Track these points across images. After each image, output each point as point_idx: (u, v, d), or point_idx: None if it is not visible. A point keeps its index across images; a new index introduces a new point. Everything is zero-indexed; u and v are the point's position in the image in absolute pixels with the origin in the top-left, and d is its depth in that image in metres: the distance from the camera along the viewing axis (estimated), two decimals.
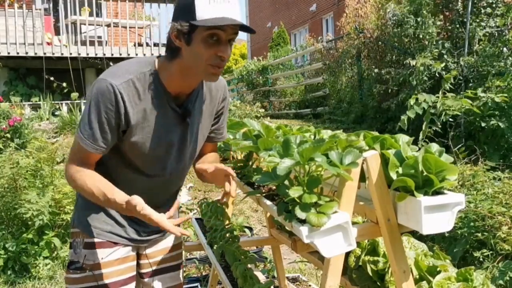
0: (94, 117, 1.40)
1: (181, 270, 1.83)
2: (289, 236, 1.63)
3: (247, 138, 1.61)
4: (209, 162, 1.66)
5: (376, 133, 1.33)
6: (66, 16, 10.41)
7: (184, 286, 2.65)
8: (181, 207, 4.95)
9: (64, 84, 8.62)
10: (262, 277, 2.59)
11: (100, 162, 1.50)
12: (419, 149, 1.26)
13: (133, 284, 1.64)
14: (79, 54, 10.06)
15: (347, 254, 1.51)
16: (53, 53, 9.94)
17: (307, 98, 11.21)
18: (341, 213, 1.12)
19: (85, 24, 10.40)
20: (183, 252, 2.76)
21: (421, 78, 6.36)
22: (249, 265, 1.86)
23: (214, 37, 1.35)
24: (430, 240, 3.43)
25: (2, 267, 3.64)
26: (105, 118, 1.40)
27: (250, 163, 1.76)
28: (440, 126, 4.78)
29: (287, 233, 1.86)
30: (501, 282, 2.74)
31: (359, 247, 1.53)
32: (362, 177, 1.23)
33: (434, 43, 6.71)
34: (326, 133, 1.56)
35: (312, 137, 1.54)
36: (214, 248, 2.15)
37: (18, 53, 9.71)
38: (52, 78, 8.71)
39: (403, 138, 1.28)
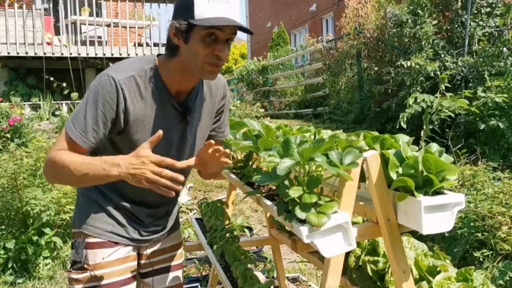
0: (90, 109, 1.39)
1: (181, 270, 1.83)
2: (289, 236, 1.63)
3: (247, 138, 1.61)
4: None
5: (376, 133, 1.33)
6: (66, 16, 10.41)
7: (184, 286, 2.65)
8: (181, 207, 4.95)
9: (64, 84, 8.63)
10: (262, 277, 2.59)
11: None
12: (420, 149, 1.26)
13: (134, 284, 1.64)
14: (79, 54, 10.06)
15: (347, 254, 1.51)
16: (53, 53, 9.94)
17: (307, 98, 11.21)
18: (341, 213, 1.12)
19: (85, 24, 10.41)
20: (183, 252, 2.76)
21: (416, 78, 6.36)
22: (249, 265, 1.86)
23: (212, 36, 1.36)
24: (430, 240, 3.43)
25: (2, 267, 3.64)
26: (102, 111, 1.39)
27: (250, 163, 1.76)
28: (437, 126, 4.79)
29: (287, 233, 1.86)
30: (501, 282, 2.74)
31: (359, 247, 1.53)
32: (362, 177, 1.23)
33: (431, 42, 6.71)
34: (326, 133, 1.56)
35: (312, 137, 1.54)
36: (214, 248, 2.15)
37: (18, 53, 9.71)
38: (52, 78, 8.71)
39: (403, 138, 1.28)
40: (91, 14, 10.40)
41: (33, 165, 3.94)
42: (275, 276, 3.03)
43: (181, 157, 1.59)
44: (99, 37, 10.81)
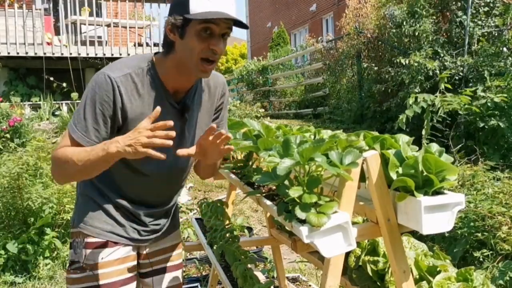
0: (89, 108, 1.40)
1: (181, 270, 1.83)
2: (289, 236, 1.63)
3: (247, 138, 1.61)
4: None
5: (376, 133, 1.33)
6: (66, 16, 10.42)
7: (184, 286, 2.65)
8: (181, 207, 4.95)
9: (64, 84, 8.62)
10: (262, 277, 2.59)
11: None
12: (419, 148, 1.26)
13: (134, 284, 1.64)
14: (79, 54, 10.07)
15: (347, 254, 1.51)
16: (53, 53, 9.94)
17: (307, 98, 11.21)
18: (341, 213, 1.12)
19: (85, 24, 10.41)
20: (183, 252, 2.76)
21: (415, 77, 6.36)
22: (249, 265, 1.86)
23: (207, 30, 1.37)
24: (430, 240, 3.43)
25: (2, 267, 3.64)
26: (100, 110, 1.40)
27: (250, 163, 1.76)
28: (440, 123, 4.78)
29: (287, 233, 1.86)
30: (501, 282, 2.74)
31: (359, 247, 1.53)
32: (362, 177, 1.23)
33: (430, 40, 6.71)
34: (326, 133, 1.56)
35: (312, 137, 1.54)
36: (214, 248, 2.15)
37: (18, 53, 9.71)
38: (52, 78, 8.71)
39: (403, 138, 1.28)
40: (91, 14, 10.40)
41: (34, 164, 3.94)
42: (275, 276, 3.03)
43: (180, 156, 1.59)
44: (99, 37, 10.82)
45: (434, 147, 1.21)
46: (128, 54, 10.34)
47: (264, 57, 15.40)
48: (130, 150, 1.31)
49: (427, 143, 4.16)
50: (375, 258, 1.48)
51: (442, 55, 6.61)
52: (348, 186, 1.20)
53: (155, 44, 11.38)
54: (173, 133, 1.32)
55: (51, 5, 11.70)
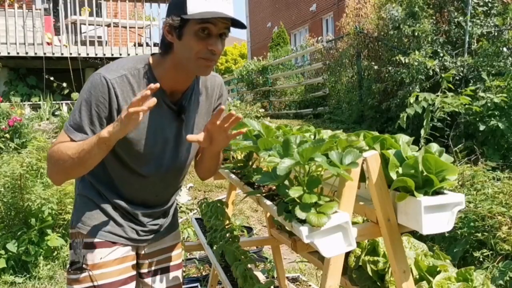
0: (85, 109, 1.40)
1: (180, 270, 1.83)
2: (289, 236, 1.63)
3: (247, 138, 1.61)
4: None
5: (376, 133, 1.32)
6: (66, 16, 10.41)
7: (184, 286, 2.65)
8: (181, 207, 4.95)
9: (64, 84, 8.61)
10: (262, 277, 2.59)
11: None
12: (420, 148, 1.26)
13: (133, 284, 1.64)
14: (79, 54, 10.06)
15: (347, 254, 1.50)
16: (53, 53, 9.94)
17: (307, 98, 11.22)
18: (341, 213, 1.12)
19: (85, 24, 10.41)
20: (183, 252, 2.76)
21: (415, 76, 6.36)
22: (249, 265, 1.86)
23: (205, 31, 1.37)
24: (430, 240, 3.43)
25: (2, 267, 3.64)
26: (96, 111, 1.40)
27: (250, 163, 1.76)
28: (440, 122, 4.78)
29: (287, 233, 1.86)
30: (501, 282, 2.74)
31: (359, 247, 1.52)
32: (362, 177, 1.23)
33: (429, 40, 6.71)
34: (326, 133, 1.56)
35: (312, 137, 1.54)
36: (214, 248, 2.15)
37: (18, 53, 9.71)
38: (52, 78, 8.70)
39: (403, 138, 1.28)
40: (91, 14, 10.40)
41: (35, 164, 3.94)
42: (275, 276, 3.03)
43: (178, 156, 1.59)
44: (99, 37, 10.81)
45: (434, 147, 1.21)
46: (128, 54, 10.34)
47: (264, 57, 15.40)
48: (120, 129, 1.29)
49: (425, 143, 4.16)
50: (375, 258, 1.47)
51: (442, 55, 6.61)
52: (348, 186, 1.20)
53: (155, 44, 11.36)
54: (156, 85, 1.27)
55: (51, 5, 11.69)
